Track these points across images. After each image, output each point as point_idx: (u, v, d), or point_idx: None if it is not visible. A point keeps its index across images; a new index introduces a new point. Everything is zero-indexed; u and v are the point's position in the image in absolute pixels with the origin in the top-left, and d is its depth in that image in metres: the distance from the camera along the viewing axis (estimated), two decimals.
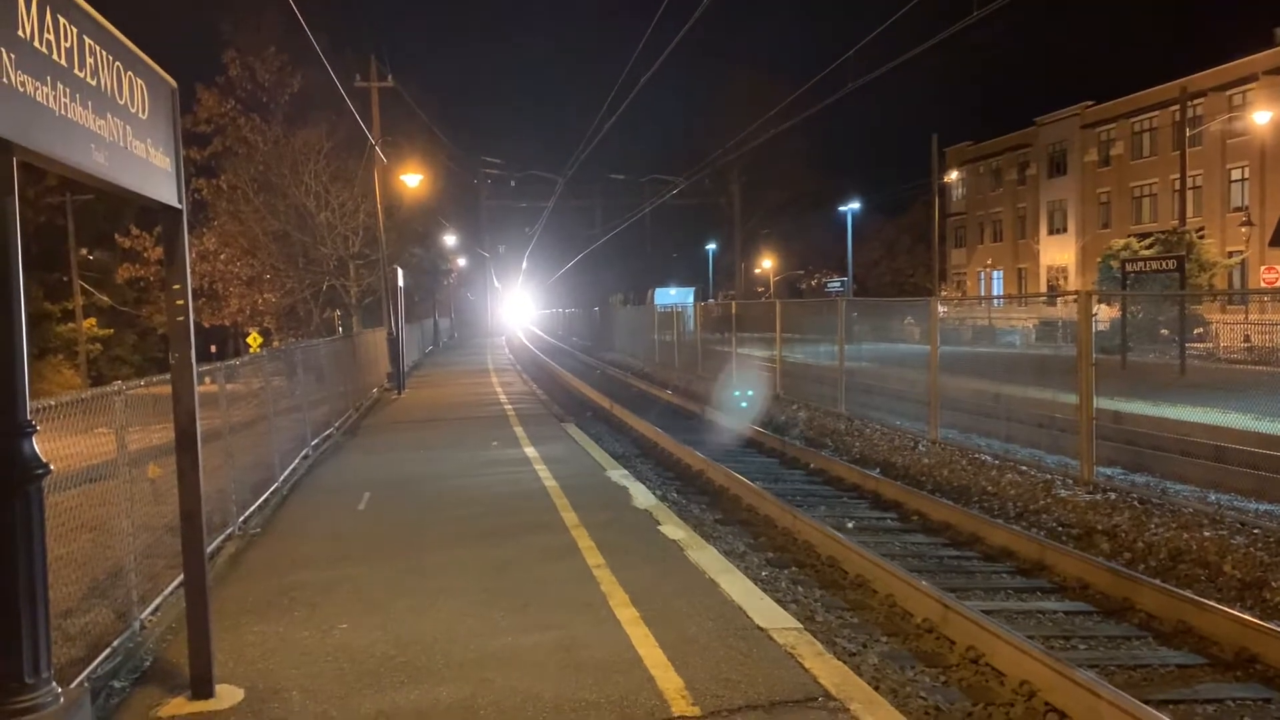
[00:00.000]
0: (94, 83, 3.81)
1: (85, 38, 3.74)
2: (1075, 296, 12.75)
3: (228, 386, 9.24)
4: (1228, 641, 6.50)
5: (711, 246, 79.93)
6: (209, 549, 6.53)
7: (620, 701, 4.64)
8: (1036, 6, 66.46)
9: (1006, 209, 58.23)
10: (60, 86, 3.52)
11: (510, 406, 19.07)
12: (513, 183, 72.09)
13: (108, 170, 3.93)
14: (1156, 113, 46.35)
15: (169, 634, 5.86)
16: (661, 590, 6.38)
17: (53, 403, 4.95)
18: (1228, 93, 42.06)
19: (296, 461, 12.04)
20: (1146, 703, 5.21)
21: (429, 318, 50.34)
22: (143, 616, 5.95)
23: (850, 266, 58.99)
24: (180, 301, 4.77)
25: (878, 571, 8.00)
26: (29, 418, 3.56)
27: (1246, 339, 23.30)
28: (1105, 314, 25.47)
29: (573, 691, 4.77)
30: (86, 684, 4.67)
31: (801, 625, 5.85)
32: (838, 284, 58.49)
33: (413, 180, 28.47)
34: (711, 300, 61.32)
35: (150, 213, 4.91)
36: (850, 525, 10.13)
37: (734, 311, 25.81)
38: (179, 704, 4.79)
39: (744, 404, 20.04)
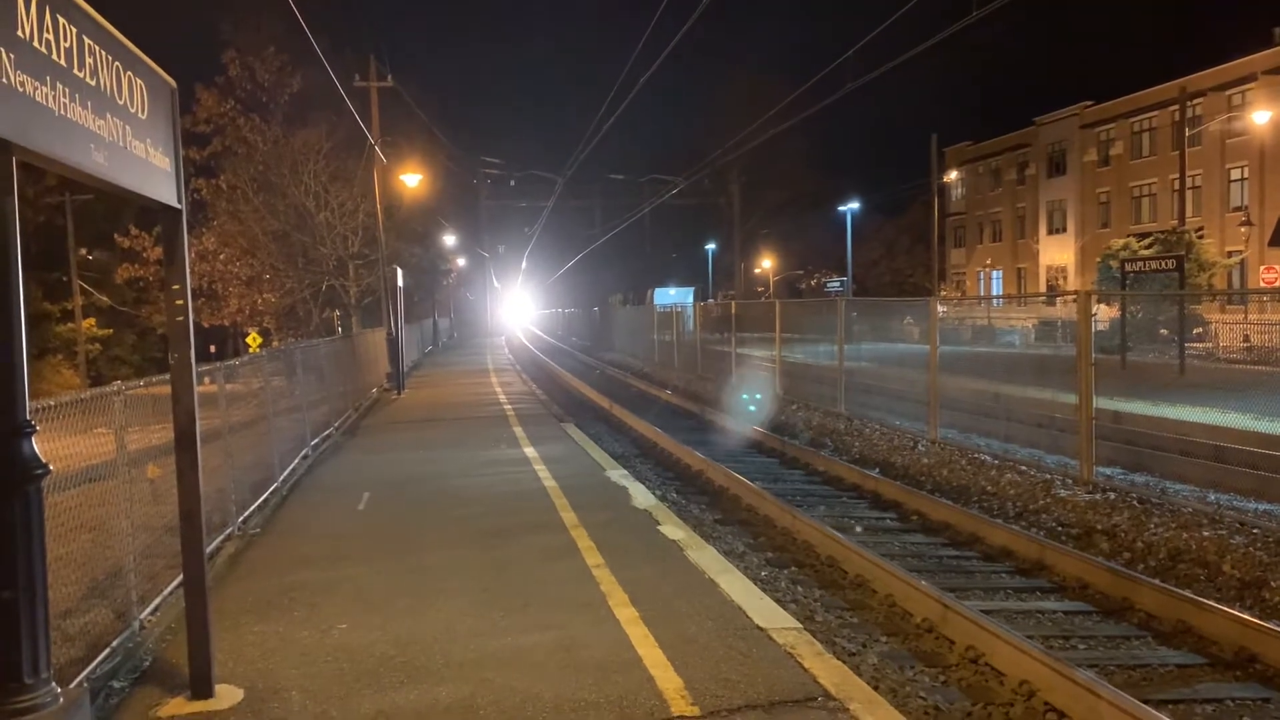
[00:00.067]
0: (93, 83, 3.81)
1: (85, 38, 3.74)
2: (1075, 296, 12.74)
3: (227, 386, 9.24)
4: (1227, 641, 6.51)
5: (711, 246, 79.86)
6: (208, 549, 6.53)
7: (620, 701, 4.64)
8: (1036, 6, 66.51)
9: (1006, 209, 58.21)
10: (60, 86, 3.52)
11: (510, 406, 19.08)
12: (512, 183, 72.03)
13: (107, 170, 3.93)
14: (1156, 113, 46.32)
15: (168, 634, 5.86)
16: (661, 590, 6.38)
17: (52, 403, 4.94)
18: (1227, 93, 42.04)
19: (296, 461, 12.04)
20: (1146, 702, 5.22)
21: (428, 318, 50.34)
22: (142, 616, 5.94)
23: (850, 266, 58.98)
24: (180, 301, 4.77)
25: (877, 571, 8.00)
26: (28, 418, 3.56)
27: (1246, 339, 23.27)
28: (1105, 314, 25.44)
29: (572, 691, 4.77)
30: (86, 684, 4.67)
31: (801, 625, 5.85)
32: (837, 284, 58.42)
33: (412, 180, 28.49)
34: (711, 300, 61.22)
35: (150, 213, 4.91)
36: (859, 530, 10.07)
37: (734, 311, 25.78)
38: (178, 704, 4.79)
39: (744, 404, 20.07)
